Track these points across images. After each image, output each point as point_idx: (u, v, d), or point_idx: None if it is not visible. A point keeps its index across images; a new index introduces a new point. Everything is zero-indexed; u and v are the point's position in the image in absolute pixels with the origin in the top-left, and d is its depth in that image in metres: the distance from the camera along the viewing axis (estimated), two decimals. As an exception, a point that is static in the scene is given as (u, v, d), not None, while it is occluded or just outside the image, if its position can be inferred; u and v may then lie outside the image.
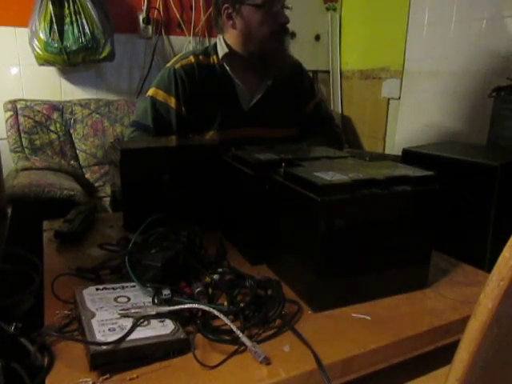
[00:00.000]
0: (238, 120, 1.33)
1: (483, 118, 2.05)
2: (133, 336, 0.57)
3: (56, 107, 2.26)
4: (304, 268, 0.73)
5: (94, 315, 0.61)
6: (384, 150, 2.78)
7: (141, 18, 2.47)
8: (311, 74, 2.98)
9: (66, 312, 0.67)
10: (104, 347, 0.54)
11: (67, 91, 2.41)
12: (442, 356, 0.66)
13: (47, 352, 0.56)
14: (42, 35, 2.11)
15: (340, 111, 3.04)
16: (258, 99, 1.35)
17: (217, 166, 0.99)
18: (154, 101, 1.31)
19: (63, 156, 2.24)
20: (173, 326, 0.60)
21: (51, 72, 2.34)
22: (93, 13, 2.15)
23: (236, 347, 0.59)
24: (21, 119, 2.14)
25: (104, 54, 2.22)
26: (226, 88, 1.33)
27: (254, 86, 1.36)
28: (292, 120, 1.44)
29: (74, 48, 2.14)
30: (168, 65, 1.35)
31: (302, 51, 2.91)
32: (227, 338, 0.61)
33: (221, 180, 0.99)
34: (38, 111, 2.20)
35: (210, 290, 0.70)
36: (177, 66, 1.31)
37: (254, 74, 1.36)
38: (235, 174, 0.91)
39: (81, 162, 2.30)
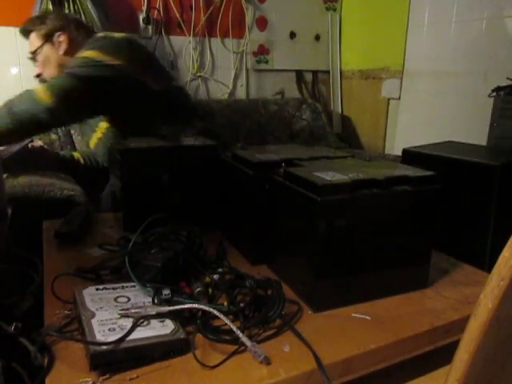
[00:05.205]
0: None
1: (483, 118, 2.05)
2: (133, 336, 0.57)
3: (56, 107, 2.25)
4: (304, 268, 0.73)
5: (93, 315, 0.61)
6: (384, 150, 2.77)
7: (141, 18, 2.47)
8: (311, 74, 2.97)
9: (66, 312, 0.67)
10: (104, 347, 0.54)
11: (67, 91, 2.40)
12: (442, 356, 0.66)
13: (47, 352, 0.56)
14: (42, 35, 2.11)
15: (340, 111, 3.03)
16: None
17: (217, 166, 0.99)
18: None
19: (63, 156, 2.24)
20: (173, 326, 0.60)
21: (51, 72, 2.34)
22: (93, 13, 2.15)
23: (236, 347, 0.59)
24: (21, 119, 2.14)
25: (104, 54, 2.22)
26: None
27: None
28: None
29: (73, 48, 2.14)
30: None
31: (302, 51, 2.90)
32: (227, 337, 0.61)
33: (221, 180, 0.99)
34: (38, 111, 2.19)
35: (210, 290, 0.70)
36: None
37: None
38: (235, 173, 0.91)
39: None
